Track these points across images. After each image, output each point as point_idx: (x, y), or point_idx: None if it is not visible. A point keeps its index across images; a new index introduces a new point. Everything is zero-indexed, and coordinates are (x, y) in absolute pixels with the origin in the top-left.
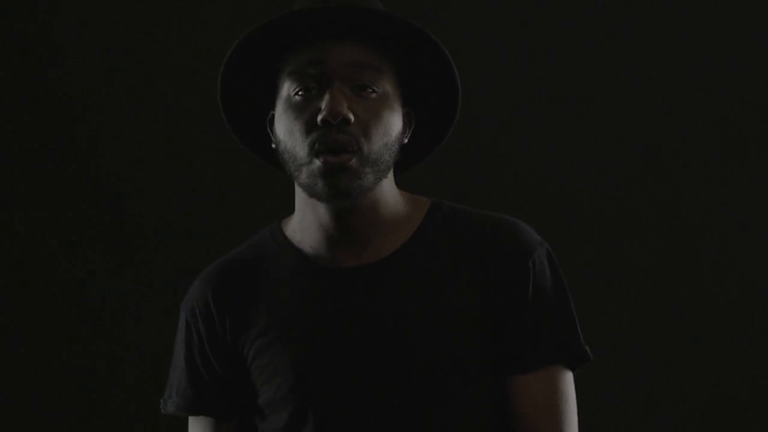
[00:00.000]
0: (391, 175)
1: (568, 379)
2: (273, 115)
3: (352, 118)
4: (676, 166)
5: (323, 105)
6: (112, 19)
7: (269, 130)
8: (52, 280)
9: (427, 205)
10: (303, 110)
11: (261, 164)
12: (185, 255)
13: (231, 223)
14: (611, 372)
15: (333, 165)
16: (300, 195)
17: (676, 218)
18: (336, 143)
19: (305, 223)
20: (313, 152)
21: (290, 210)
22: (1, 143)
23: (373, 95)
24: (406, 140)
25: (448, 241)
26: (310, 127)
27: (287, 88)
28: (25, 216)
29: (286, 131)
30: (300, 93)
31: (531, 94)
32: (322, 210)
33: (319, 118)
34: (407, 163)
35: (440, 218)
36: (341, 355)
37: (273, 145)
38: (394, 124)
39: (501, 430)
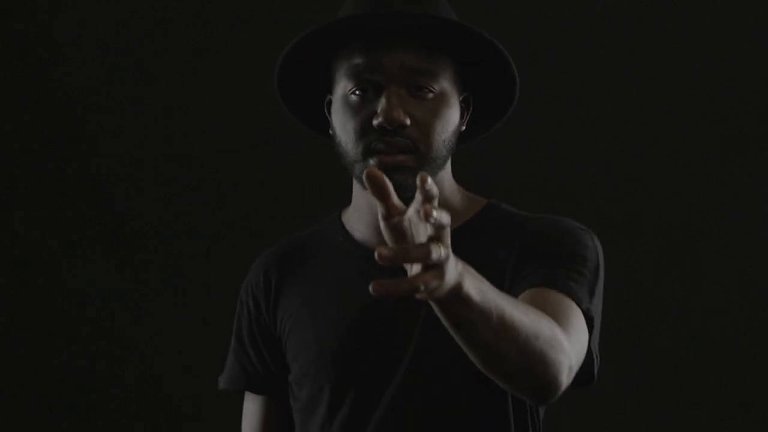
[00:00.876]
0: (448, 166)
1: (580, 314)
2: (330, 100)
3: (408, 122)
4: (676, 166)
5: (379, 109)
6: (112, 19)
7: (327, 114)
8: (52, 280)
9: (482, 204)
10: (359, 111)
11: (270, 160)
12: (185, 255)
13: (231, 223)
14: (611, 372)
15: (387, 164)
16: (356, 184)
17: (676, 218)
18: (392, 146)
19: (357, 209)
20: (368, 153)
21: (293, 210)
22: (1, 143)
23: (430, 95)
24: (463, 128)
25: (496, 238)
26: (365, 128)
27: (343, 86)
28: (25, 216)
29: (342, 128)
30: (356, 93)
31: (531, 94)
32: (374, 200)
33: (375, 122)
34: (464, 140)
35: (493, 217)
36: (365, 337)
37: (330, 131)
38: (451, 119)
39: (526, 427)
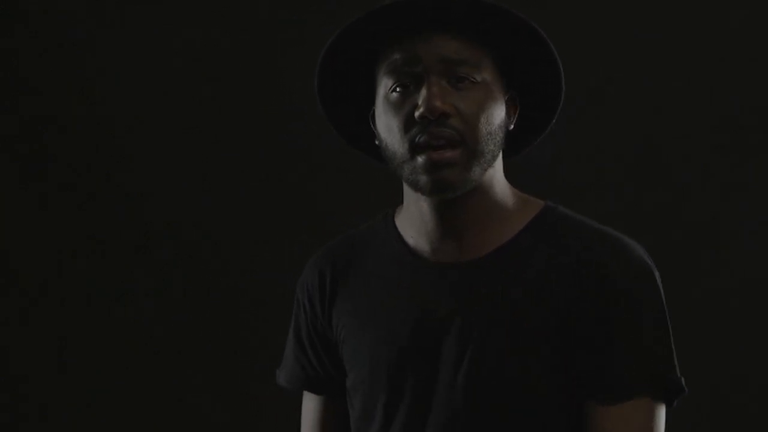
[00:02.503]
0: (499, 167)
1: (659, 413)
2: (374, 111)
3: (450, 111)
4: (676, 166)
5: (420, 101)
6: (112, 18)
7: (372, 126)
8: (53, 281)
9: (538, 208)
10: (401, 107)
11: (272, 162)
12: (185, 255)
13: (231, 223)
14: None
15: (436, 161)
16: (406, 188)
17: (677, 218)
18: (437, 138)
19: (409, 215)
20: (414, 149)
21: (294, 211)
22: (1, 143)
23: (472, 86)
24: (511, 127)
25: (551, 250)
26: (409, 123)
27: (384, 86)
28: (25, 216)
29: (386, 128)
30: (397, 89)
31: None
32: (424, 205)
33: (417, 114)
34: (515, 149)
35: (549, 224)
36: (415, 354)
37: (376, 142)
38: (495, 112)
39: None
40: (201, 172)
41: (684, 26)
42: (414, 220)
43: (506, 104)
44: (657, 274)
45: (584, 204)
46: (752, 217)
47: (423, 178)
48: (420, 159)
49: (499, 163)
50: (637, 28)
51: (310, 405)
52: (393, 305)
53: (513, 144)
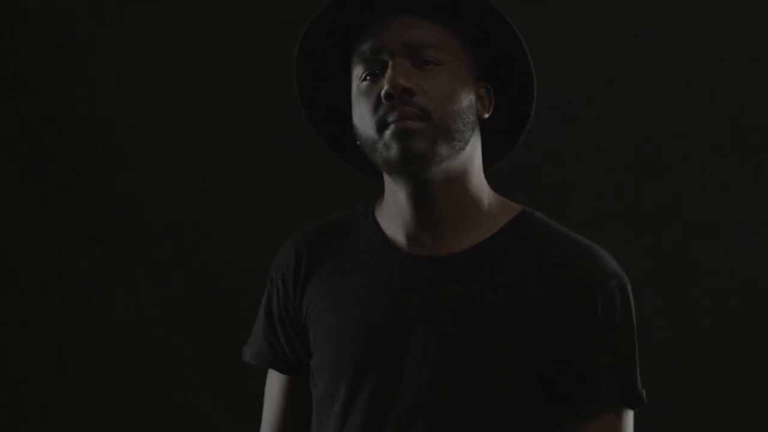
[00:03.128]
0: (478, 163)
1: (623, 420)
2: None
3: (413, 87)
4: (676, 166)
5: (385, 81)
6: (112, 18)
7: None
8: (53, 281)
9: (515, 211)
10: (370, 93)
11: (272, 163)
12: (186, 255)
13: (230, 224)
14: None
15: (402, 129)
16: (386, 180)
17: (677, 218)
18: (402, 114)
19: (388, 206)
20: (382, 127)
21: (297, 212)
22: (1, 143)
23: (437, 67)
24: (486, 115)
25: (525, 254)
26: (377, 105)
27: (356, 77)
28: (25, 216)
29: (359, 116)
30: (367, 78)
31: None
32: (401, 196)
33: (382, 93)
34: (500, 154)
35: (525, 228)
36: (384, 341)
37: (358, 142)
38: (462, 93)
39: None
40: (201, 172)
41: (684, 26)
42: (392, 212)
43: (480, 93)
44: (627, 283)
45: (584, 204)
46: (752, 217)
47: (393, 151)
48: (387, 132)
49: (476, 159)
50: (637, 28)
51: (275, 383)
52: (367, 292)
53: (503, 144)
